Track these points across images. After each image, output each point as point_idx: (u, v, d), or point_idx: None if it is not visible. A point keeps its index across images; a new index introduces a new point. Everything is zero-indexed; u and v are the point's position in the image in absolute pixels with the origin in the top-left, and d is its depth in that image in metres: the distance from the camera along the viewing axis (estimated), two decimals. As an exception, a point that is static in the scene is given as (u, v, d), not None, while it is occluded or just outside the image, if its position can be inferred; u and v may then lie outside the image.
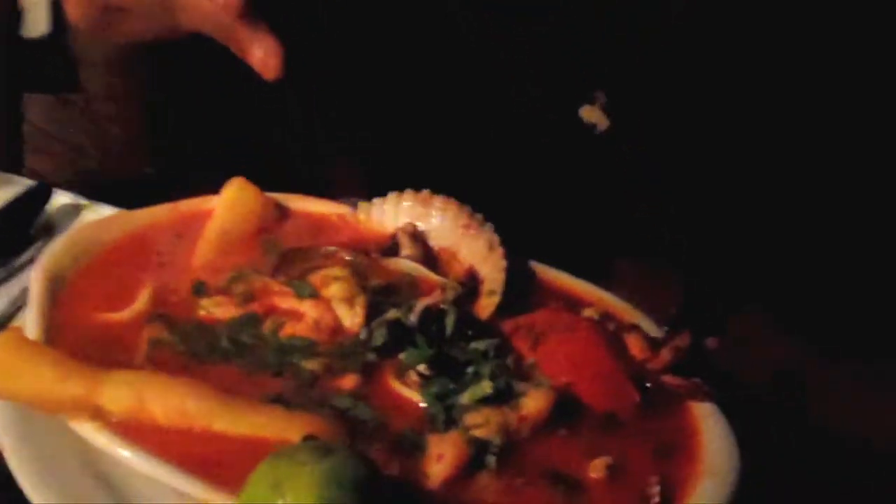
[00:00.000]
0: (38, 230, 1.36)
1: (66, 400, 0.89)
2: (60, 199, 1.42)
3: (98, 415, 0.89)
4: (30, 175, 1.50)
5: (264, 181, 1.21)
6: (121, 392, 0.90)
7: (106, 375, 0.91)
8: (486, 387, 0.96)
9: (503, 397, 0.97)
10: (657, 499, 0.91)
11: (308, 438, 0.88)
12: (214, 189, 1.20)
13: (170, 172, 1.55)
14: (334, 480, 0.79)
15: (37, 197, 1.39)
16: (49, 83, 1.67)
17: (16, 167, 1.69)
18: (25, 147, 1.79)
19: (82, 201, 1.42)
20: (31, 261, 1.26)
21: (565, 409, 0.99)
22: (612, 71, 1.35)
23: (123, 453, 0.88)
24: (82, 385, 0.90)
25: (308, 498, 0.77)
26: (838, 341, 1.21)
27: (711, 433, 1.01)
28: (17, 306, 1.20)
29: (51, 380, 0.90)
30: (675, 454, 0.99)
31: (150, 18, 1.09)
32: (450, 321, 1.04)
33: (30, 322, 0.98)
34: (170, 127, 1.62)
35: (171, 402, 0.90)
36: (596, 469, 0.94)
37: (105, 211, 1.39)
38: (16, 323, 1.11)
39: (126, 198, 1.38)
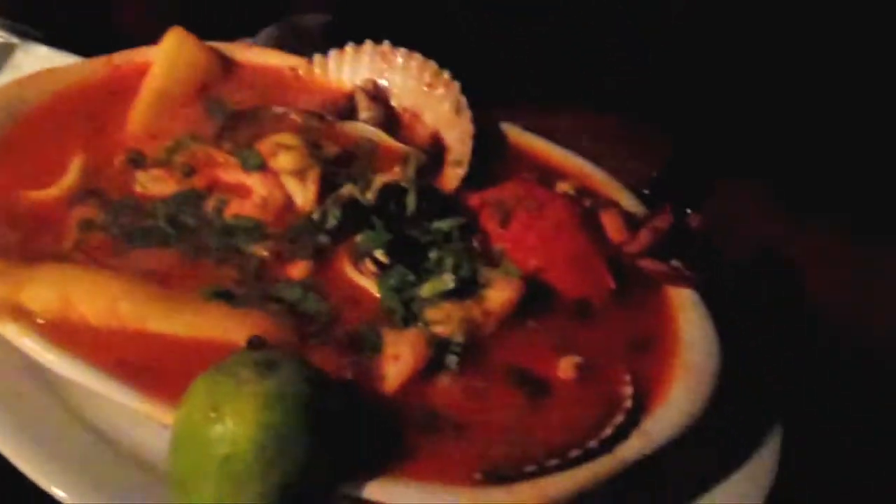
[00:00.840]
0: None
1: None
2: (-13, 35, 1.28)
3: (21, 315, 0.82)
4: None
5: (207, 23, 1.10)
6: (45, 291, 0.82)
7: (28, 272, 0.83)
8: (447, 280, 0.89)
9: (467, 290, 0.90)
10: (629, 402, 0.85)
11: (253, 340, 0.81)
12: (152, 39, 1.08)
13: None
14: (278, 402, 0.72)
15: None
16: None
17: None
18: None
19: (13, 40, 1.28)
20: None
21: (534, 297, 0.92)
22: None
23: (49, 357, 0.80)
24: (2, 284, 0.82)
25: (249, 425, 0.71)
26: (826, 217, 1.13)
27: (690, 325, 0.94)
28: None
29: None
30: (650, 348, 0.92)
31: None
32: (410, 200, 0.95)
33: None
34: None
35: (100, 302, 0.82)
36: (564, 369, 0.88)
37: (40, 52, 1.26)
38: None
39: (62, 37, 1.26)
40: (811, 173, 1.19)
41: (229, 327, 0.83)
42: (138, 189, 0.95)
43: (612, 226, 0.99)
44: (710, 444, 0.89)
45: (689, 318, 0.95)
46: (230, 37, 1.17)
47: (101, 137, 1.01)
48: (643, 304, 0.96)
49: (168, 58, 1.06)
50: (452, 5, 1.31)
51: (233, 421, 0.71)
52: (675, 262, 0.98)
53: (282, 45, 1.24)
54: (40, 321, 0.82)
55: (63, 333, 0.82)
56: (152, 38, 1.10)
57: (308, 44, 1.22)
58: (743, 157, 1.21)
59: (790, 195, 1.17)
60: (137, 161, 0.98)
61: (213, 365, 0.75)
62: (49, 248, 0.89)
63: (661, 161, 1.21)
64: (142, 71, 1.07)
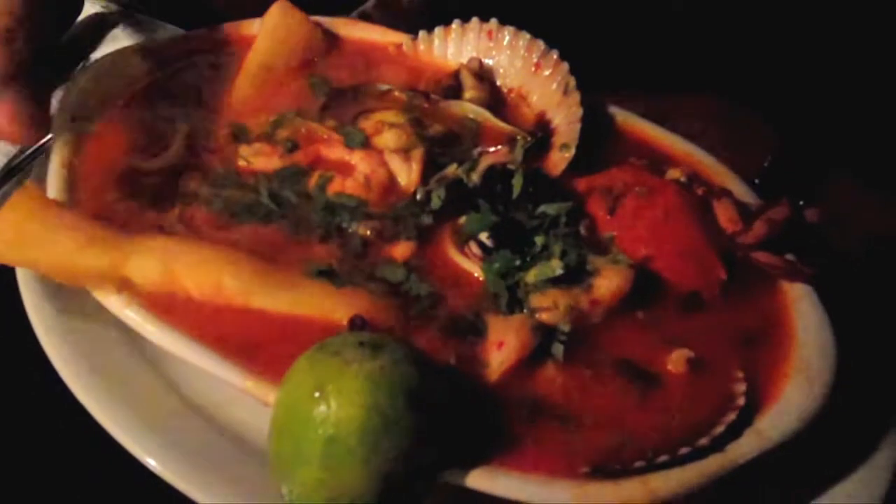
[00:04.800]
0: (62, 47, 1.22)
1: (88, 270, 0.80)
2: (87, 7, 1.27)
3: (125, 287, 0.81)
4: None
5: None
6: (149, 263, 0.81)
7: (132, 244, 0.82)
8: (555, 266, 0.86)
9: (574, 276, 0.87)
10: (742, 400, 0.82)
11: (356, 320, 0.79)
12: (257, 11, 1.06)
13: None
14: (383, 385, 0.70)
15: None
16: None
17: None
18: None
19: (113, 9, 1.28)
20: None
21: (643, 287, 0.88)
22: None
23: (150, 329, 0.80)
24: (106, 254, 0.81)
25: (354, 406, 0.69)
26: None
27: (805, 321, 0.90)
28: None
29: (71, 248, 0.80)
30: (763, 344, 0.89)
31: None
32: (517, 182, 0.92)
33: (50, 177, 0.88)
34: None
35: (205, 277, 0.81)
36: (675, 362, 0.84)
37: (139, 23, 1.26)
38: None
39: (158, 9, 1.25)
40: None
41: (333, 306, 0.81)
42: (241, 163, 0.93)
43: (725, 215, 0.95)
44: (823, 445, 0.85)
45: (804, 313, 0.91)
46: (325, 13, 1.15)
47: (203, 110, 1.00)
48: (756, 298, 0.92)
49: (272, 31, 1.04)
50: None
51: (337, 402, 0.69)
52: (789, 256, 0.93)
53: (379, 21, 1.22)
54: (143, 294, 0.81)
55: (164, 307, 0.81)
56: (244, 12, 1.09)
57: (405, 21, 1.20)
58: (854, 147, 1.16)
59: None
60: (240, 135, 0.96)
61: (317, 344, 0.74)
62: (152, 220, 0.88)
63: (769, 151, 1.16)
64: (245, 44, 1.05)
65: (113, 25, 1.26)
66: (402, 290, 0.85)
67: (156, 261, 0.81)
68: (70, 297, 0.85)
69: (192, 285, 0.81)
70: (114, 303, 0.80)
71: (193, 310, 0.81)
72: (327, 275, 0.85)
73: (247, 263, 0.83)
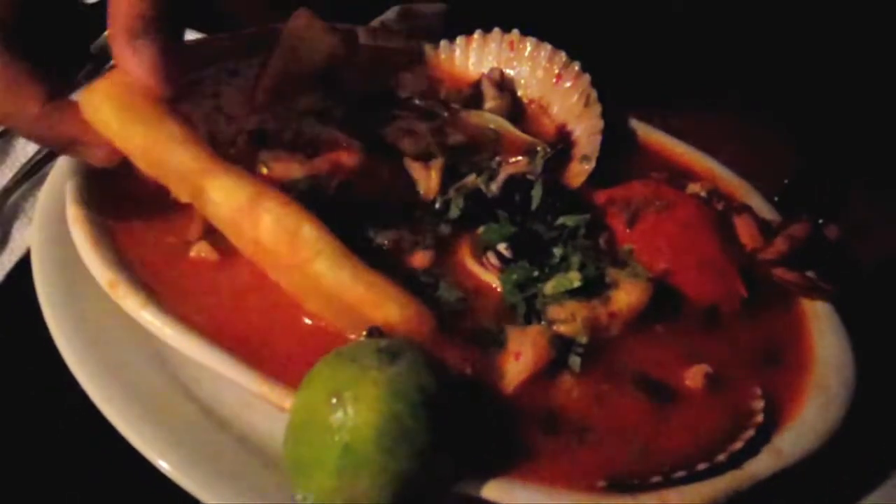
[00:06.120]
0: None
1: (176, 164, 0.79)
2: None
3: (198, 197, 0.79)
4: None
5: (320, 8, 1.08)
6: (238, 186, 0.79)
7: (229, 165, 0.80)
8: (573, 278, 0.85)
9: (592, 288, 0.86)
10: (760, 417, 0.81)
11: (372, 331, 0.79)
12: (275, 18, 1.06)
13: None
14: (401, 392, 0.69)
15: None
16: None
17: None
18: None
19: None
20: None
21: (662, 302, 0.88)
22: None
23: (167, 332, 0.79)
24: (202, 158, 0.79)
25: (371, 413, 0.68)
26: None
27: (824, 339, 0.90)
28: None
29: (172, 135, 0.79)
30: (782, 362, 0.88)
31: None
32: (536, 193, 0.92)
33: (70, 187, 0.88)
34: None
35: (289, 217, 0.79)
36: (693, 377, 0.84)
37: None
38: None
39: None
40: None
41: (388, 296, 0.79)
42: (262, 169, 0.93)
43: (745, 231, 0.95)
44: (841, 464, 0.85)
45: (824, 331, 0.91)
46: (346, 21, 1.15)
47: (223, 113, 0.99)
48: (775, 315, 0.92)
49: (293, 39, 1.04)
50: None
51: (354, 408, 0.69)
52: (809, 273, 0.93)
53: (400, 31, 1.22)
54: (209, 212, 0.80)
55: (182, 303, 0.81)
56: (262, 19, 1.09)
57: (425, 30, 1.20)
58: (876, 163, 1.15)
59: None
60: (262, 139, 0.96)
61: (335, 350, 0.74)
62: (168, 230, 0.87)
63: (787, 169, 1.16)
64: (267, 50, 1.05)
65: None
66: (434, 296, 0.85)
67: (248, 188, 0.80)
68: (86, 298, 0.85)
69: (270, 222, 0.79)
70: (131, 304, 0.80)
71: (211, 309, 0.81)
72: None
73: (325, 227, 0.81)
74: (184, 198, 0.80)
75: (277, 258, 0.80)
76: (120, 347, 0.84)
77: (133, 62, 0.78)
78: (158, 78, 0.78)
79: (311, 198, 0.90)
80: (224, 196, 0.79)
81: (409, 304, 0.80)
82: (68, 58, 0.92)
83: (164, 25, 0.78)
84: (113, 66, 0.80)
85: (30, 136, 0.83)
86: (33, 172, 1.11)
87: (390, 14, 1.32)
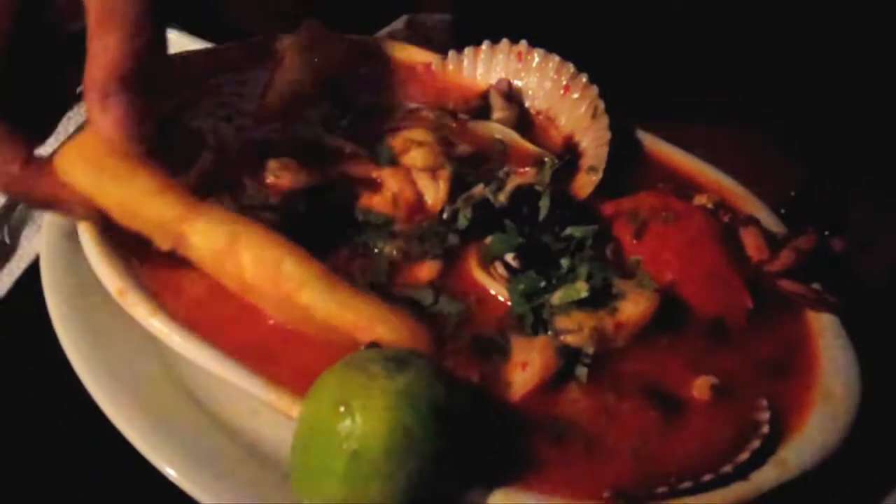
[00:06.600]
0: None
1: (152, 215, 0.80)
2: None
3: (179, 244, 0.80)
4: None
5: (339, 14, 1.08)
6: (215, 228, 0.80)
7: (205, 207, 0.81)
8: (580, 289, 0.85)
9: (599, 299, 0.86)
10: (766, 428, 0.81)
11: (371, 346, 0.79)
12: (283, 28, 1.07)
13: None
14: (409, 400, 0.70)
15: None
16: None
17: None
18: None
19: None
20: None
21: (669, 312, 0.88)
22: None
23: (176, 340, 0.80)
24: (177, 205, 0.80)
25: (379, 422, 0.69)
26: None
27: (830, 351, 0.90)
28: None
29: (145, 188, 0.80)
30: (788, 373, 0.88)
31: None
32: (544, 204, 0.92)
33: None
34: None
35: (268, 254, 0.80)
36: (700, 389, 0.84)
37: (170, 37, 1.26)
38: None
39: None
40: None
41: (377, 322, 0.80)
42: (270, 178, 0.93)
43: (751, 243, 0.95)
44: (847, 476, 0.85)
45: (830, 344, 0.91)
46: (354, 31, 1.16)
47: (233, 125, 1.00)
48: (781, 327, 0.92)
49: (302, 48, 1.05)
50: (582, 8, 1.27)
51: (362, 417, 0.69)
52: (816, 285, 0.93)
53: (407, 41, 1.23)
54: (193, 256, 0.81)
55: (190, 311, 0.81)
56: (269, 29, 1.09)
57: (432, 42, 1.21)
58: (882, 174, 1.16)
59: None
60: (269, 149, 0.96)
61: (343, 358, 0.74)
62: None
63: (793, 181, 1.16)
64: (274, 59, 1.05)
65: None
66: (432, 311, 0.85)
67: (225, 228, 0.80)
68: (94, 305, 0.85)
69: (250, 261, 0.80)
70: (140, 312, 0.81)
71: (216, 318, 0.81)
72: (378, 288, 0.85)
73: (308, 257, 0.81)
74: (165, 246, 0.81)
75: (265, 294, 0.81)
76: (128, 355, 0.84)
77: (102, 121, 0.79)
78: (127, 136, 0.79)
79: (317, 207, 0.92)
80: (203, 240, 0.80)
81: (400, 326, 0.80)
82: (51, 104, 0.92)
83: (136, 83, 0.79)
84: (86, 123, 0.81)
85: (8, 195, 0.84)
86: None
87: (397, 24, 1.33)
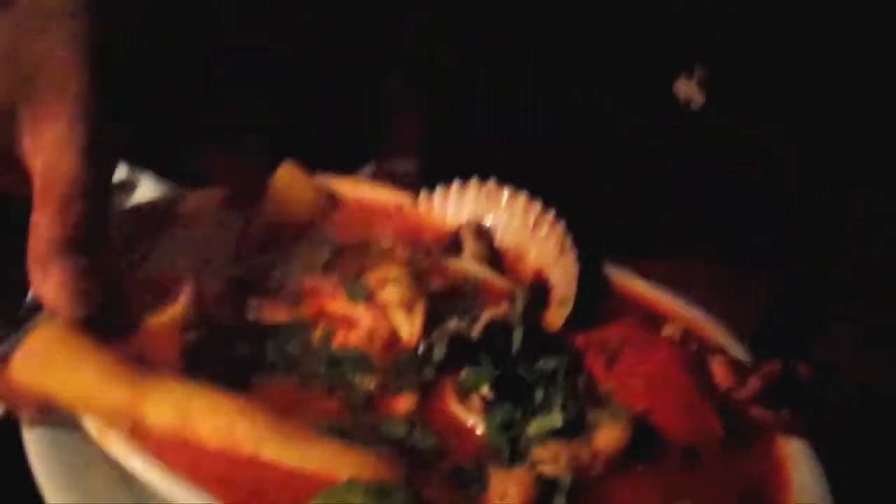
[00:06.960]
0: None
1: (106, 407, 0.81)
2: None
3: (137, 428, 0.81)
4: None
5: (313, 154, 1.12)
6: (165, 406, 0.81)
7: (152, 385, 0.82)
8: (556, 419, 0.87)
9: (574, 429, 0.88)
10: (741, 555, 0.82)
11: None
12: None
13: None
14: (390, 534, 0.70)
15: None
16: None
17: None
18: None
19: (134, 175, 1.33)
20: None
21: (643, 441, 0.89)
22: (712, 41, 1.21)
23: (154, 476, 0.79)
24: (126, 393, 0.81)
25: (361, 555, 0.69)
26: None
27: (801, 476, 0.91)
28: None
29: (93, 382, 0.81)
30: (761, 499, 0.89)
31: None
32: (517, 337, 0.95)
33: None
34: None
35: (220, 421, 0.81)
36: (675, 516, 0.85)
37: (152, 185, 1.31)
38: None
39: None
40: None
41: (341, 465, 0.80)
42: (250, 314, 0.95)
43: (720, 371, 0.97)
44: None
45: (800, 468, 0.92)
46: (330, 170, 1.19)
47: (210, 265, 1.02)
48: (753, 453, 0.93)
49: (278, 193, 1.09)
50: (542, 151, 1.32)
51: (344, 551, 0.70)
52: (784, 411, 0.95)
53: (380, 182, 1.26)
54: (153, 436, 0.81)
55: (170, 449, 0.81)
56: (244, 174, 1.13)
57: (403, 184, 1.24)
58: (855, 304, 1.19)
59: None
60: (247, 288, 0.99)
61: (324, 491, 0.75)
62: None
63: (757, 309, 1.19)
64: (252, 204, 1.09)
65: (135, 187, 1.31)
66: (407, 445, 0.86)
67: (172, 403, 0.81)
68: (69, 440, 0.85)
69: (204, 430, 0.81)
70: (118, 446, 0.80)
71: (199, 454, 0.81)
72: (339, 432, 0.85)
73: (261, 413, 0.83)
74: (126, 434, 0.81)
75: (231, 453, 0.82)
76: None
77: (44, 289, 0.81)
78: (70, 301, 0.81)
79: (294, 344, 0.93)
80: (158, 420, 0.81)
81: (364, 468, 0.80)
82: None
83: (79, 246, 0.81)
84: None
85: None
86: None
87: (366, 171, 1.37)
